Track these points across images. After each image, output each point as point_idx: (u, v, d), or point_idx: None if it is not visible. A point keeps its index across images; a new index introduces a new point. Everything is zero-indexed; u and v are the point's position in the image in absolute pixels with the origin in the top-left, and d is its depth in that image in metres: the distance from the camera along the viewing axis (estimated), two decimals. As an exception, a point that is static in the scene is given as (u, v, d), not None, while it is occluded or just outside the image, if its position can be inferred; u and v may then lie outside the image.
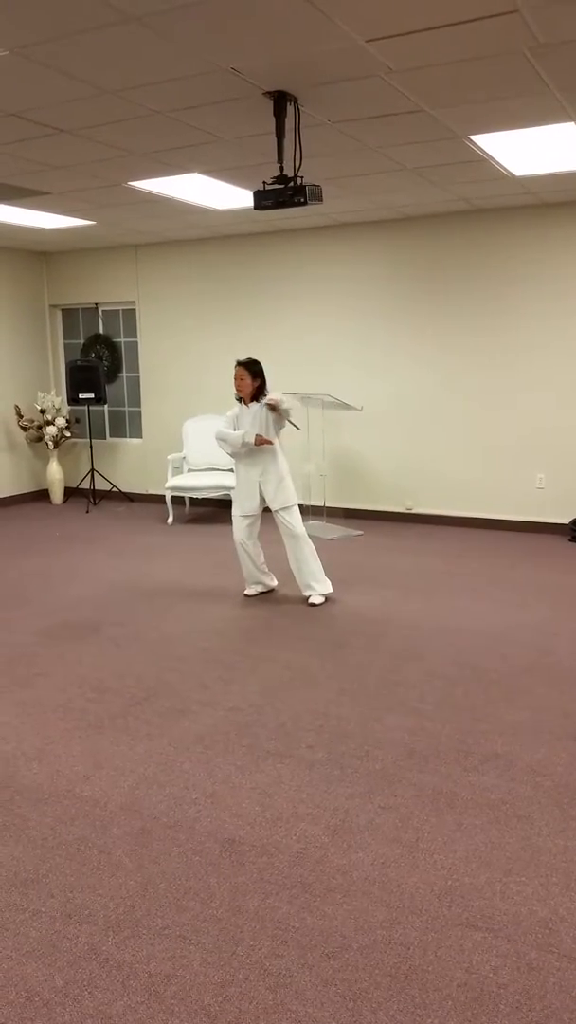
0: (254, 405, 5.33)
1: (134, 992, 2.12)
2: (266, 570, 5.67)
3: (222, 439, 5.37)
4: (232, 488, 8.09)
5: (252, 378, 5.28)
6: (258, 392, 5.32)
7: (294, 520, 5.37)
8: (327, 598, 5.49)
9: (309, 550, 5.40)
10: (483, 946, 2.27)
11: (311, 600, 5.44)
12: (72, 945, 2.30)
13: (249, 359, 5.33)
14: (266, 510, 5.48)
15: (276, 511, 5.38)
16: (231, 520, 8.16)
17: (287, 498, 5.38)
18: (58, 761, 3.36)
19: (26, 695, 4.04)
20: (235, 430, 5.35)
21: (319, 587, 5.44)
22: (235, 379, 5.32)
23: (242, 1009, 2.06)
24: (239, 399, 5.39)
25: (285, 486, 5.39)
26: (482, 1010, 2.05)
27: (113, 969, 2.20)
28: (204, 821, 2.90)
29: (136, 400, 9.59)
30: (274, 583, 5.72)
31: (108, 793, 3.11)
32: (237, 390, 5.33)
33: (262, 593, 5.68)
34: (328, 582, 5.49)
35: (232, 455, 5.46)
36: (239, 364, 5.30)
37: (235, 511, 5.52)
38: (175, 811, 2.97)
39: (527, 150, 5.17)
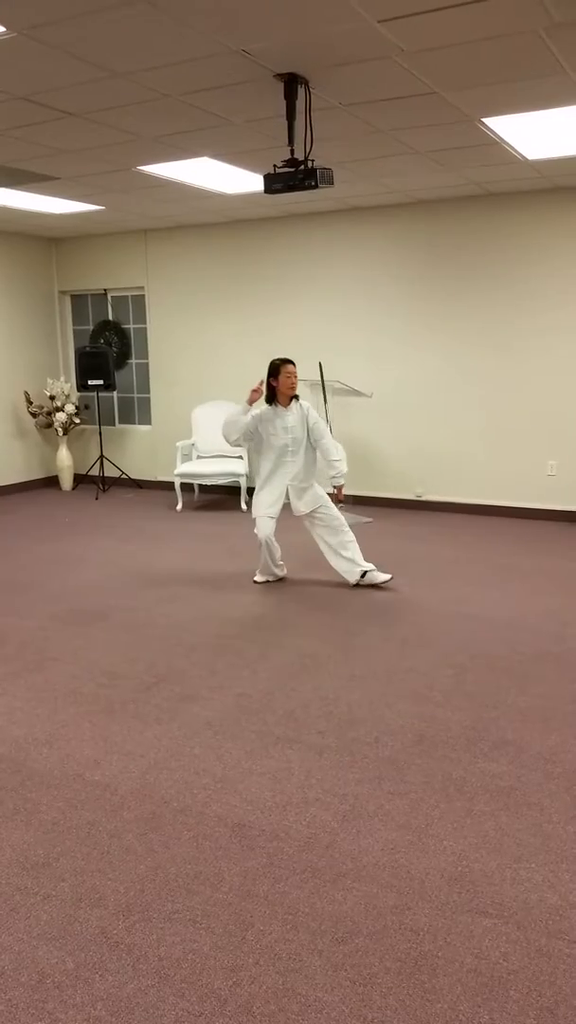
0: (294, 407, 5.27)
1: (144, 975, 2.13)
2: (280, 563, 5.65)
3: (226, 425, 5.26)
4: (241, 475, 8.13)
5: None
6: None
7: (334, 511, 5.36)
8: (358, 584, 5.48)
9: (352, 536, 5.42)
10: (493, 932, 2.27)
11: (379, 577, 5.41)
12: (83, 928, 2.31)
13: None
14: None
15: (312, 511, 5.33)
16: (240, 506, 8.25)
17: (319, 496, 5.37)
18: (68, 746, 3.37)
19: (37, 680, 4.05)
20: (256, 430, 5.29)
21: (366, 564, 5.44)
22: (289, 377, 5.18)
23: (252, 993, 2.07)
24: (270, 401, 5.24)
25: (316, 489, 5.39)
26: (492, 995, 2.05)
27: (123, 953, 2.21)
28: (214, 806, 2.91)
29: (145, 386, 9.58)
30: (283, 574, 5.71)
31: (118, 778, 3.12)
32: (290, 389, 5.21)
33: (270, 581, 5.67)
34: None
35: (262, 453, 5.35)
36: (292, 363, 5.22)
37: (263, 511, 5.36)
38: (185, 796, 2.98)
39: (540, 133, 5.11)
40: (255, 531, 5.44)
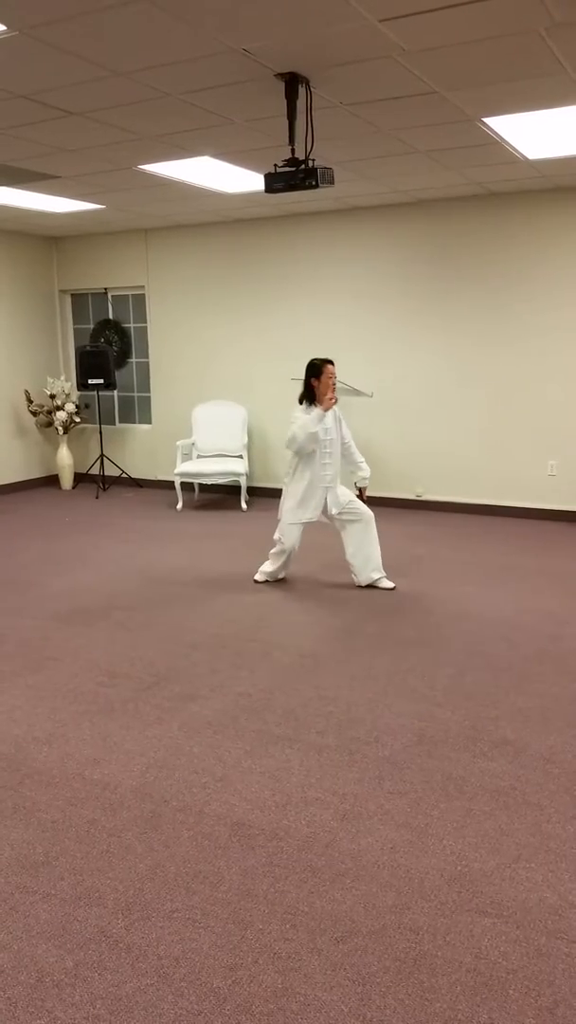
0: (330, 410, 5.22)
1: (143, 974, 2.13)
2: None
3: (292, 438, 5.07)
4: (241, 474, 8.13)
5: None
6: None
7: (363, 506, 5.35)
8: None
9: (376, 533, 5.40)
10: (492, 931, 2.27)
11: (385, 585, 5.44)
12: (82, 927, 2.31)
13: None
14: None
15: (343, 509, 5.30)
16: (240, 506, 8.25)
17: (346, 492, 5.36)
18: (68, 745, 3.37)
19: (37, 679, 4.06)
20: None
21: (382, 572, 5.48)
22: (331, 378, 5.08)
23: (251, 992, 2.07)
24: (312, 403, 5.13)
25: (343, 487, 5.39)
26: (491, 995, 2.05)
27: (122, 951, 2.22)
28: (213, 805, 2.91)
29: (145, 386, 9.58)
30: (283, 575, 5.70)
31: (118, 777, 3.12)
32: (332, 391, 5.12)
33: (270, 581, 5.67)
34: None
35: (304, 457, 5.20)
36: (332, 363, 5.13)
37: (296, 518, 5.28)
38: (185, 795, 2.98)
39: (541, 133, 5.11)
40: (279, 536, 5.39)
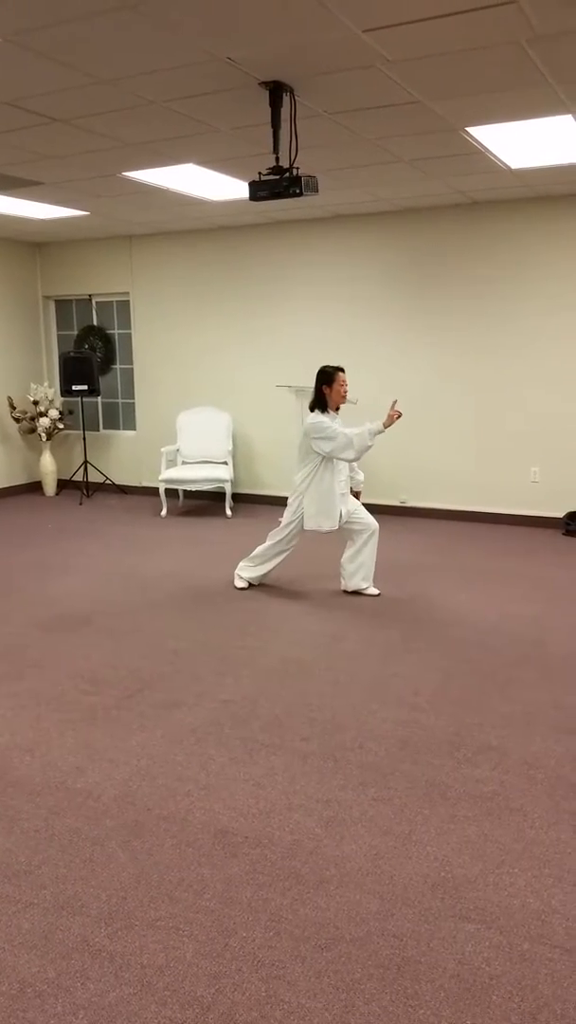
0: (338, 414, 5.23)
1: (127, 983, 2.12)
2: None
3: (348, 443, 4.99)
4: (225, 481, 8.13)
5: None
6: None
7: (367, 515, 5.38)
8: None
9: (375, 544, 5.43)
10: (476, 937, 2.28)
11: (370, 591, 5.48)
12: (65, 937, 2.30)
13: None
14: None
15: (349, 518, 5.30)
16: (224, 512, 8.24)
17: (353, 499, 5.38)
18: (51, 753, 3.35)
19: (19, 687, 4.03)
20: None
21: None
22: (342, 385, 5.09)
23: (235, 1000, 2.06)
24: (325, 409, 5.13)
25: (350, 495, 5.40)
26: (475, 1001, 2.05)
27: (106, 960, 2.20)
28: (197, 813, 2.90)
29: (130, 392, 9.56)
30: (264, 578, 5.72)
31: (101, 785, 3.10)
32: (344, 398, 5.13)
33: (252, 586, 5.66)
34: None
35: (324, 463, 5.16)
36: (343, 370, 5.12)
37: (317, 525, 5.22)
38: (168, 803, 2.97)
39: (523, 143, 5.16)
40: (279, 537, 5.37)
